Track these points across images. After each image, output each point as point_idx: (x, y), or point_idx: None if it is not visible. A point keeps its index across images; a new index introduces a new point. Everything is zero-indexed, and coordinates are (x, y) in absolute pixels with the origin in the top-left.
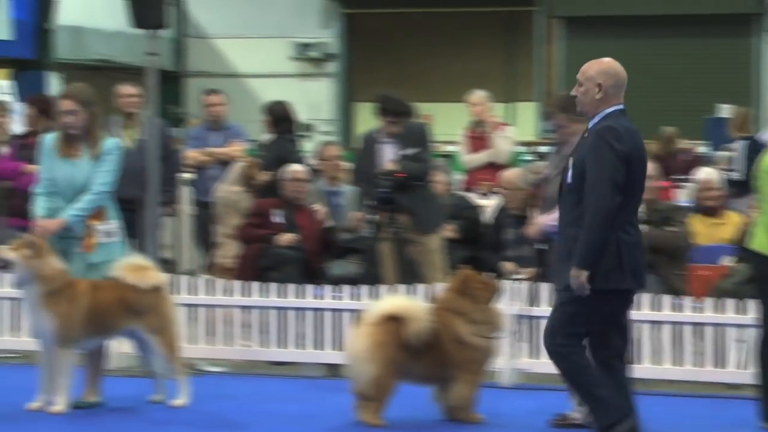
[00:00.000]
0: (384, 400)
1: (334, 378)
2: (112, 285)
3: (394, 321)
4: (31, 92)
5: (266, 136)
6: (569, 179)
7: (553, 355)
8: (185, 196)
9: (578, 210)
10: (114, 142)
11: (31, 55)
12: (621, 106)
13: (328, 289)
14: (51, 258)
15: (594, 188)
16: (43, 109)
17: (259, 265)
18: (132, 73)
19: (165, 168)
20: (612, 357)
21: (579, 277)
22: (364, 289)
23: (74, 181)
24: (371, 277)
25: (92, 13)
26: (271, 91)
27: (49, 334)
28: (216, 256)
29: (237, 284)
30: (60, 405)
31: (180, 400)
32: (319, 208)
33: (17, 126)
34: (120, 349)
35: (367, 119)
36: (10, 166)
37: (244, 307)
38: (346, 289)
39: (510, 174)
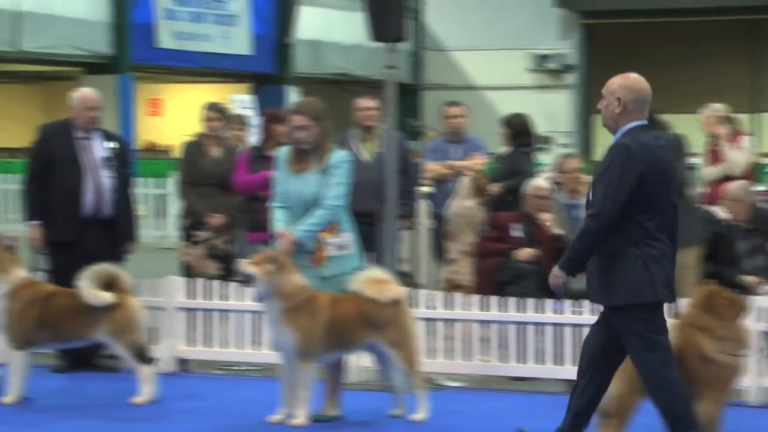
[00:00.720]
0: (626, 418)
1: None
2: (352, 299)
3: None
4: (270, 106)
5: (503, 149)
6: (590, 195)
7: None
8: (423, 209)
9: None
10: (343, 155)
11: (271, 70)
12: (642, 122)
13: (567, 303)
14: (292, 273)
15: (598, 201)
16: (274, 122)
17: (497, 279)
18: (370, 86)
19: (403, 181)
20: (603, 370)
21: (559, 277)
22: None
23: (303, 195)
24: None
25: (331, 27)
26: (508, 103)
27: (290, 348)
28: (449, 272)
29: (475, 298)
30: (300, 418)
31: (419, 415)
32: (548, 218)
33: (254, 139)
34: (359, 362)
35: (606, 131)
36: (258, 178)
37: (482, 322)
38: (586, 303)
39: (733, 186)
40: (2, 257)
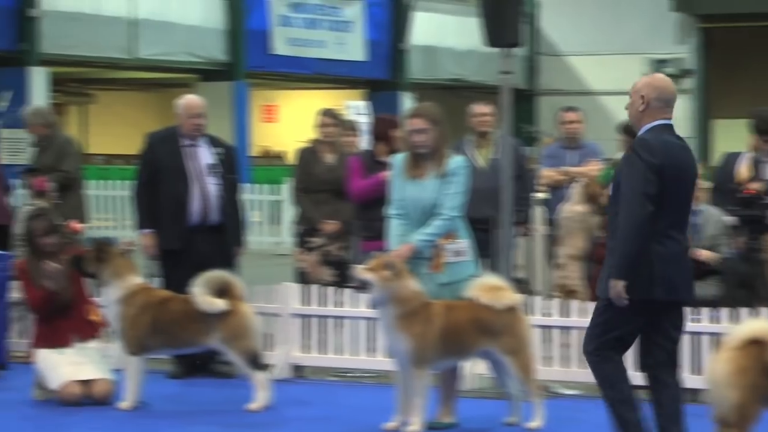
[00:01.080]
0: (746, 428)
1: (693, 403)
2: (467, 305)
3: (757, 345)
4: (384, 112)
5: (620, 155)
6: (611, 192)
7: (588, 362)
8: (539, 215)
9: (615, 222)
10: (461, 161)
11: (385, 76)
12: (666, 121)
13: (685, 311)
14: (408, 280)
15: (626, 200)
16: (387, 127)
17: None
18: (485, 91)
19: (519, 187)
20: (654, 369)
21: (616, 287)
22: (724, 312)
23: (421, 201)
24: (732, 300)
25: (445, 33)
26: (625, 109)
27: (405, 355)
28: (559, 277)
29: (591, 306)
30: (415, 425)
31: (535, 423)
32: None
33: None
34: (474, 370)
35: (725, 136)
36: (373, 181)
37: None
38: (705, 311)
39: None
40: (118, 263)
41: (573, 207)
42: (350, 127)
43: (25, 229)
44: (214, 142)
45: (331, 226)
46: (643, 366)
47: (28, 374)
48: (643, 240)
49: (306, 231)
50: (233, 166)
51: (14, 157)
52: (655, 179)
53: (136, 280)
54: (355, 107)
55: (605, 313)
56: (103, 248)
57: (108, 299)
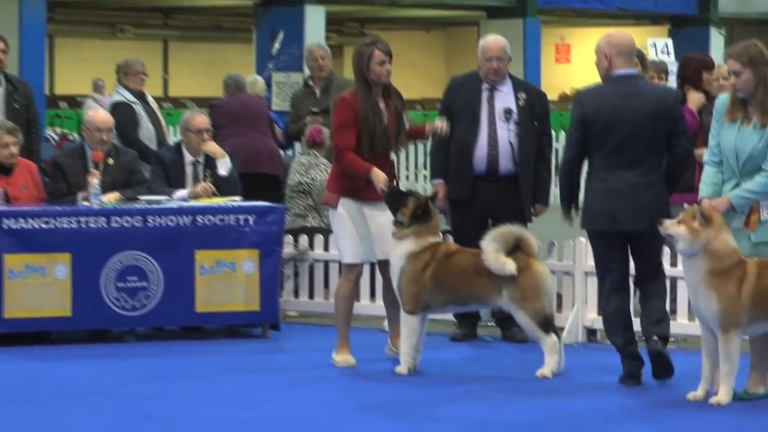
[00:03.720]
0: None
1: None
2: None
3: None
4: (688, 51)
5: None
6: None
7: None
8: None
9: None
10: None
11: (691, 10)
12: (623, 71)
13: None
14: (724, 234)
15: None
16: (697, 69)
17: None
18: None
19: None
20: (638, 283)
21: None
22: None
23: (737, 150)
24: None
25: None
26: None
27: (713, 317)
28: None
29: None
30: (723, 396)
31: None
32: None
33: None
34: None
35: None
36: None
37: None
38: None
39: None
40: (429, 224)
41: None
42: (657, 69)
43: None
44: (519, 86)
45: None
46: (634, 281)
47: (302, 335)
48: (567, 178)
49: None
50: (540, 113)
51: (288, 103)
52: (580, 127)
53: (433, 239)
54: (658, 45)
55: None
56: (425, 207)
57: (396, 252)
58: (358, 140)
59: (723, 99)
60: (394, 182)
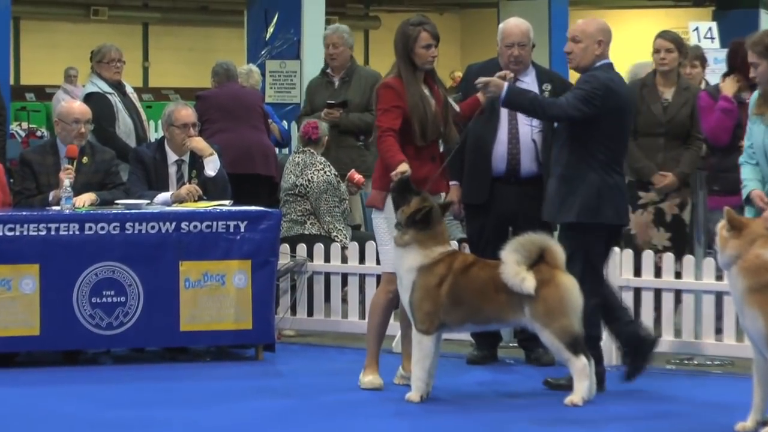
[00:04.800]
0: None
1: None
2: None
3: None
4: (735, 36)
5: None
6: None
7: None
8: None
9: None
10: None
11: None
12: (609, 61)
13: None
14: (762, 245)
15: (571, 101)
16: (745, 57)
17: None
18: None
19: None
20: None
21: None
22: None
23: (765, 148)
24: None
25: None
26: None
27: (760, 338)
28: None
29: None
30: None
31: None
32: None
33: (716, 77)
34: None
35: None
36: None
37: None
38: None
39: None
40: (436, 230)
41: None
42: (696, 55)
43: None
44: (544, 76)
45: (664, 179)
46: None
47: (300, 357)
48: (537, 116)
49: (634, 184)
50: None
51: (283, 94)
52: (616, 118)
53: (443, 248)
54: (700, 29)
55: None
56: (426, 213)
57: (404, 265)
58: (407, 128)
59: (755, 95)
60: (428, 183)
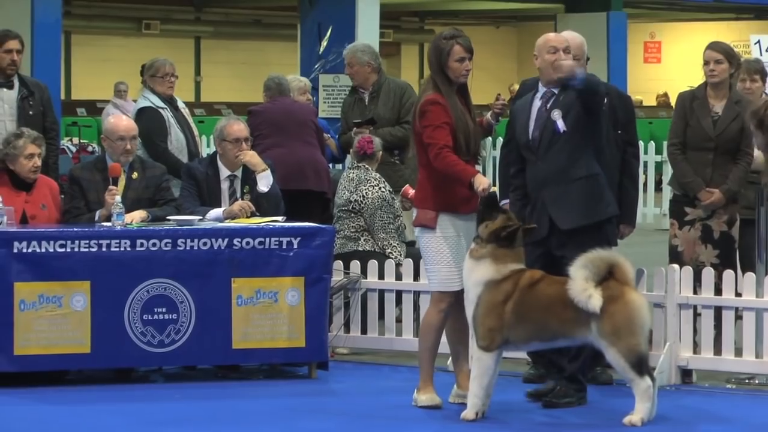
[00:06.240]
0: None
1: None
2: None
3: None
4: None
5: None
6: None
7: None
8: None
9: None
10: None
11: None
12: None
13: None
14: None
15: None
16: None
17: None
18: None
19: None
20: None
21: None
22: None
23: None
24: None
25: None
26: None
27: None
28: None
29: None
30: None
31: None
32: None
33: None
34: None
35: None
36: None
37: None
38: None
39: None
40: (515, 248)
41: None
42: (747, 69)
43: None
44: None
45: (711, 195)
46: None
47: (353, 375)
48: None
49: (681, 199)
50: (624, 120)
51: (336, 108)
52: None
53: (515, 267)
54: (761, 42)
55: None
56: (512, 232)
57: (472, 277)
58: (454, 142)
59: None
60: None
